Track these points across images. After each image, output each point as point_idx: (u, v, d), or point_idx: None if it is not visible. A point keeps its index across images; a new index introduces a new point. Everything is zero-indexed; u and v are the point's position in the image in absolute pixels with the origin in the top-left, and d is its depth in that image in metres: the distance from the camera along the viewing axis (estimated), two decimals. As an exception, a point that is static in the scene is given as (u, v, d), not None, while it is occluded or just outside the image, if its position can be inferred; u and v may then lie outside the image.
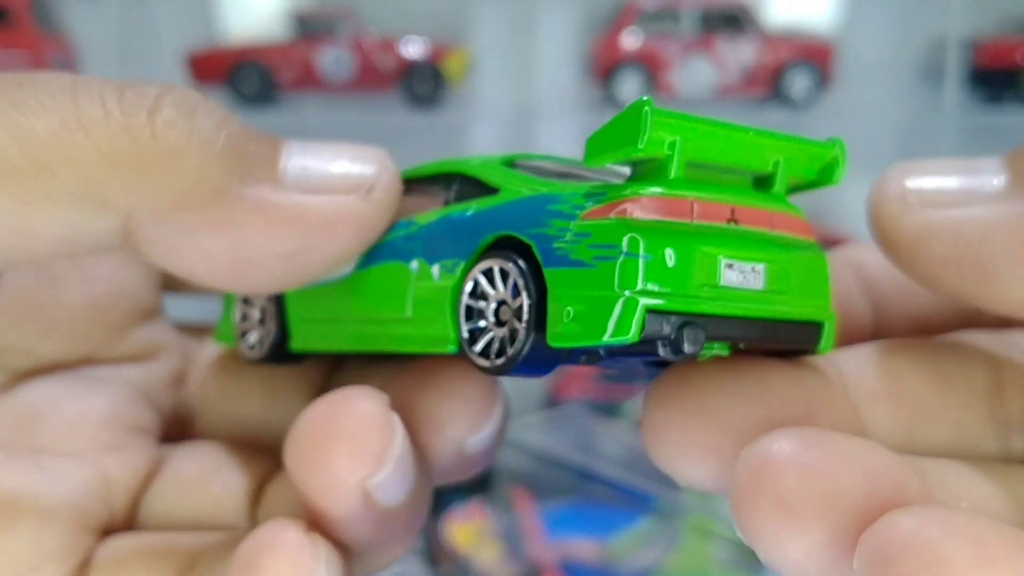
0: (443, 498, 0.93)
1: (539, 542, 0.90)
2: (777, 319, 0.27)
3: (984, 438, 0.29)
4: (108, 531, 0.33)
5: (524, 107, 1.40)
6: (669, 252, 0.26)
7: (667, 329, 0.25)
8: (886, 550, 0.20)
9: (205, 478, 0.35)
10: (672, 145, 0.27)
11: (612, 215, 0.26)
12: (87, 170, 0.27)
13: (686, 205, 0.27)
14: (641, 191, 0.27)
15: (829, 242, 0.30)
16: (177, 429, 0.38)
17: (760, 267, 0.27)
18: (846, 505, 0.22)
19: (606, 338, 0.25)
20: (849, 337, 0.32)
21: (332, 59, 1.43)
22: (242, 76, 1.39)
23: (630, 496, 0.87)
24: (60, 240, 0.28)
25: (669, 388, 0.28)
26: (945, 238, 0.26)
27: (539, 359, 0.28)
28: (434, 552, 0.91)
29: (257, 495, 0.34)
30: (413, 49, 1.42)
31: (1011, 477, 0.27)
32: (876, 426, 0.28)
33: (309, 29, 1.45)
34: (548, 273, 0.27)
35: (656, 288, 0.25)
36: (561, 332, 0.26)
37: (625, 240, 0.26)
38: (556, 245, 0.27)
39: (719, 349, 0.29)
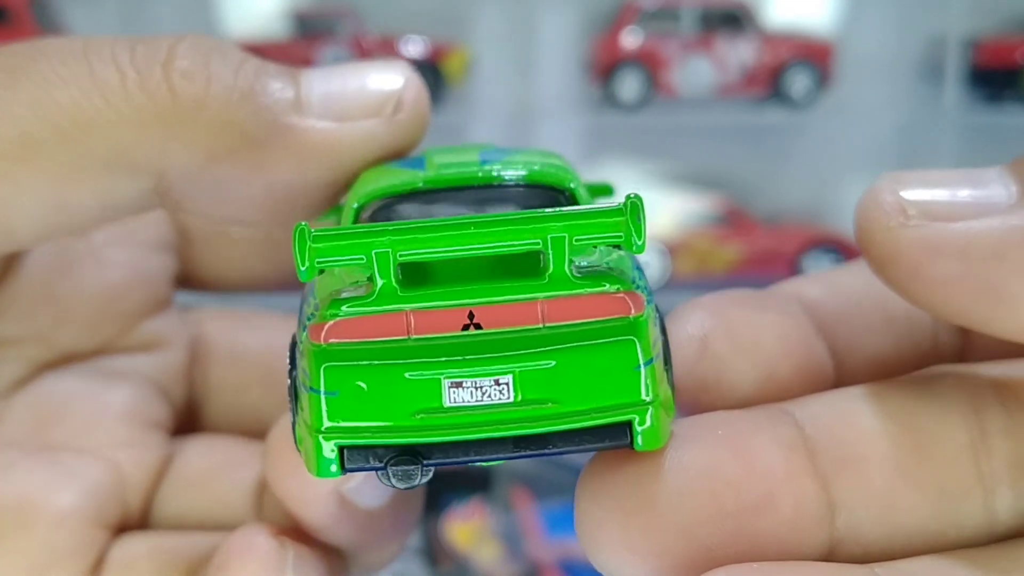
0: (443, 498, 0.93)
1: (539, 542, 0.90)
2: (541, 433, 0.23)
3: (969, 501, 0.25)
4: (123, 528, 0.33)
5: (524, 107, 1.40)
6: (362, 384, 0.23)
7: (374, 463, 0.23)
8: None
9: (212, 475, 0.35)
10: (382, 255, 0.23)
11: (312, 341, 0.24)
12: (113, 136, 0.27)
13: (399, 321, 0.24)
14: (338, 312, 0.24)
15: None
16: (186, 420, 0.38)
17: (505, 379, 0.23)
18: None
19: (314, 473, 0.23)
20: (811, 387, 0.28)
21: (332, 58, 1.42)
22: (242, 76, 1.39)
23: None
24: (100, 209, 0.28)
25: (605, 477, 0.25)
26: (952, 255, 0.23)
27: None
28: (434, 552, 0.91)
29: (262, 490, 0.34)
30: (413, 48, 1.42)
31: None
32: (848, 501, 0.25)
33: (309, 28, 1.45)
34: (300, 394, 0.25)
35: (351, 424, 0.23)
36: (305, 459, 0.24)
37: (317, 372, 0.23)
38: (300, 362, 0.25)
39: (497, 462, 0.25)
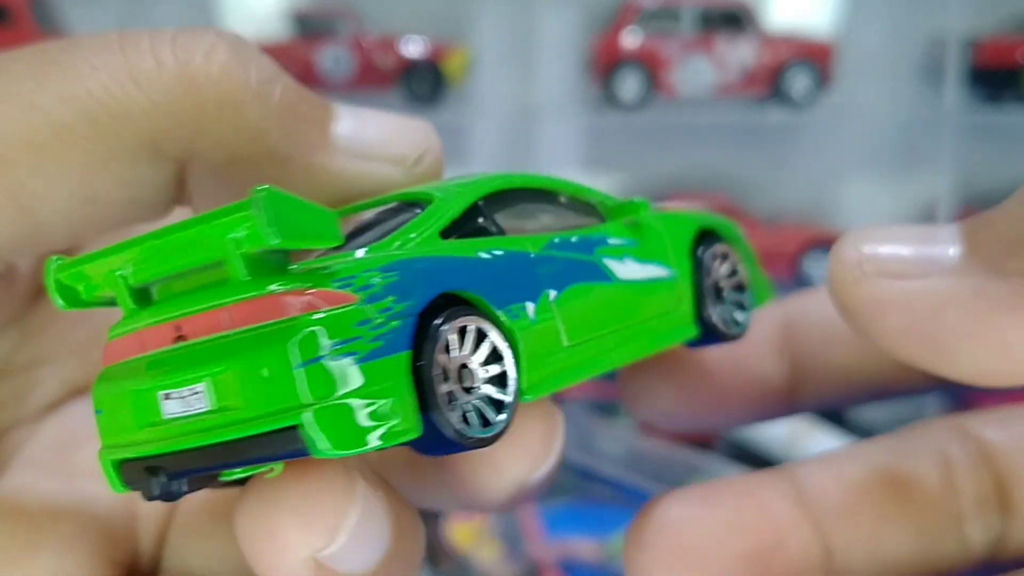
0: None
1: (539, 542, 0.90)
2: (234, 439, 0.24)
3: (944, 535, 0.30)
4: (135, 570, 0.32)
5: (524, 107, 1.39)
6: (111, 403, 0.25)
7: (135, 476, 0.25)
8: None
9: (222, 517, 0.33)
10: (118, 279, 0.25)
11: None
12: (144, 123, 0.27)
13: (135, 341, 0.25)
14: (109, 336, 0.26)
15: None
16: None
17: (200, 387, 0.24)
18: None
19: (114, 491, 0.26)
20: (760, 397, 0.34)
21: (332, 58, 1.42)
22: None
23: (630, 496, 0.87)
24: (126, 202, 0.28)
25: (649, 526, 0.29)
26: (898, 310, 0.26)
27: None
28: (434, 552, 0.91)
29: None
30: (413, 48, 1.42)
31: None
32: (841, 543, 0.29)
33: (309, 28, 1.45)
34: None
35: (114, 442, 0.25)
36: None
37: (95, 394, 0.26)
38: None
39: (240, 473, 0.26)
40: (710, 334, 0.34)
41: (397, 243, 0.26)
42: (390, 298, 0.24)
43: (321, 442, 0.23)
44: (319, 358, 0.23)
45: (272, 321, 0.23)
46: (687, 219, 0.36)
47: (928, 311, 0.26)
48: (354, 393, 0.23)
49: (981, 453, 0.31)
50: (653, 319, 0.33)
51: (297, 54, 1.41)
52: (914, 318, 0.26)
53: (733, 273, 0.36)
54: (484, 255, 0.28)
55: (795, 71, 1.42)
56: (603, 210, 0.34)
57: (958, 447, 0.31)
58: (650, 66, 1.42)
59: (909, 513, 0.30)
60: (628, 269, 0.33)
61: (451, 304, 0.26)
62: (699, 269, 0.35)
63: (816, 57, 1.41)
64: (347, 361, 0.23)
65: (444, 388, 0.25)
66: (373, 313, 0.24)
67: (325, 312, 0.23)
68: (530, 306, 0.28)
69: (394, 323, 0.24)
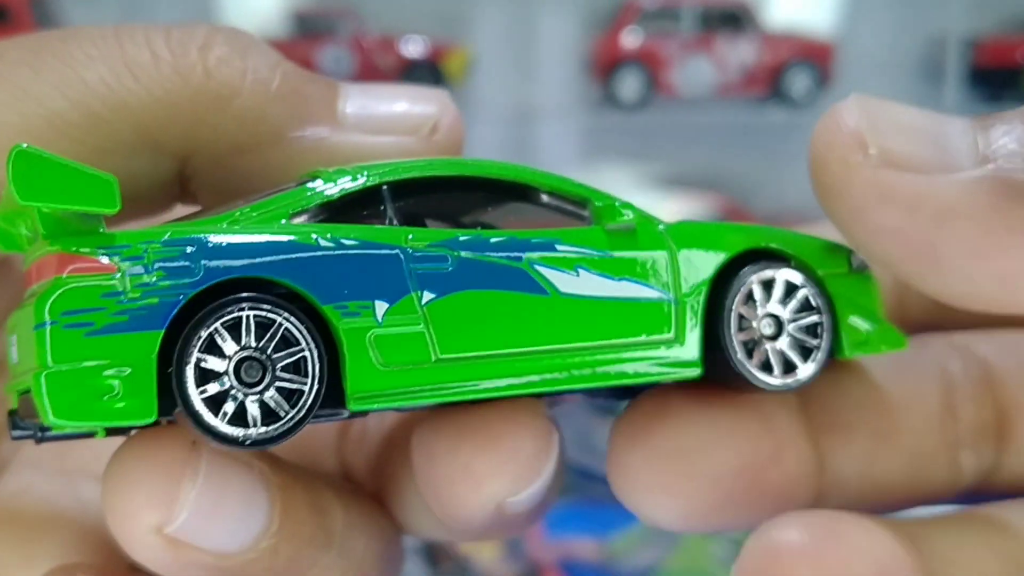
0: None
1: (539, 542, 0.90)
2: (22, 392, 0.24)
3: (936, 461, 0.28)
4: (134, 568, 0.32)
5: (524, 107, 1.39)
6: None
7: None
8: None
9: None
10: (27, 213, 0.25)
11: None
12: (141, 116, 0.27)
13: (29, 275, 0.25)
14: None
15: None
16: None
17: (13, 338, 0.25)
18: None
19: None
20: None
21: (332, 58, 1.43)
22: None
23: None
24: (124, 197, 0.27)
25: (638, 426, 0.27)
26: (901, 207, 0.23)
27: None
28: (434, 552, 0.91)
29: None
30: (413, 48, 1.42)
31: (995, 533, 0.26)
32: (834, 459, 0.28)
33: (309, 28, 1.45)
34: None
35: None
36: None
37: None
38: None
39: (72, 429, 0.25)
40: (727, 374, 0.28)
41: (228, 219, 0.25)
42: (157, 274, 0.24)
43: (47, 409, 0.23)
44: (54, 322, 0.23)
45: (45, 281, 0.24)
46: (724, 234, 0.30)
47: (934, 216, 0.23)
48: (86, 364, 0.23)
49: (984, 378, 0.29)
50: (622, 347, 0.28)
51: (297, 54, 1.41)
52: (916, 219, 0.23)
53: (805, 309, 0.29)
54: (325, 243, 0.25)
55: (795, 71, 1.42)
56: (595, 213, 0.30)
57: (961, 368, 0.29)
58: (650, 66, 1.42)
59: (904, 435, 0.28)
60: (580, 283, 0.28)
61: (249, 289, 0.24)
62: (724, 294, 0.29)
63: (816, 57, 1.41)
64: (83, 331, 0.23)
65: (214, 385, 0.24)
66: (129, 287, 0.23)
67: (75, 278, 0.23)
68: (380, 306, 0.26)
69: (150, 300, 0.23)
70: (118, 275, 0.23)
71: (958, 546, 0.25)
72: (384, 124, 0.29)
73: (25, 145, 0.23)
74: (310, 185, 0.26)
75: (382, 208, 0.27)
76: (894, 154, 0.24)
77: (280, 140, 0.28)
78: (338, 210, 0.26)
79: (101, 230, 0.24)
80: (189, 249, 0.24)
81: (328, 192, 0.26)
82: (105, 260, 0.23)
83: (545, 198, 0.30)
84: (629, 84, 1.42)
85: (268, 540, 0.26)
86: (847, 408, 0.28)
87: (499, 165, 0.29)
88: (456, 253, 0.27)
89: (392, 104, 0.30)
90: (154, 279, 0.23)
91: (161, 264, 0.24)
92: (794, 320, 0.29)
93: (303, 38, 1.44)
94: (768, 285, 0.29)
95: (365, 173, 0.27)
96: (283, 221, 0.25)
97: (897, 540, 0.23)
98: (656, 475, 0.26)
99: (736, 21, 1.44)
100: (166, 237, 0.24)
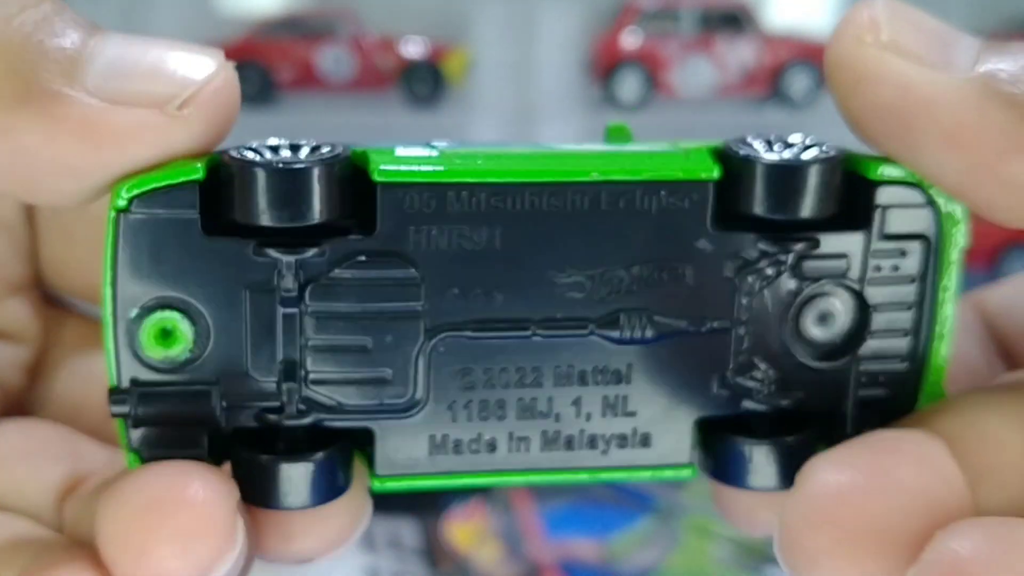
0: (443, 498, 0.93)
1: (539, 542, 0.90)
2: None
3: None
4: None
5: (524, 107, 1.39)
6: None
7: None
8: None
9: (14, 460, 0.30)
10: None
11: None
12: None
13: None
14: None
15: None
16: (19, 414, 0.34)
17: None
18: None
19: None
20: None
21: (332, 59, 1.43)
22: (241, 76, 1.38)
23: (630, 496, 0.87)
24: None
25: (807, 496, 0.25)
26: (894, 87, 0.25)
27: None
28: (434, 552, 0.91)
29: (66, 493, 0.29)
30: (413, 49, 1.42)
31: None
32: (989, 505, 0.26)
33: (308, 29, 1.45)
34: None
35: None
36: None
37: None
38: None
39: None
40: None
41: None
42: None
43: None
44: None
45: None
46: None
47: (921, 100, 0.25)
48: None
49: None
50: None
51: (297, 54, 1.42)
52: (905, 101, 0.25)
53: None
54: None
55: (795, 71, 1.42)
56: None
57: None
58: (650, 66, 1.42)
59: None
60: None
61: None
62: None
63: (816, 57, 1.41)
64: None
65: None
66: None
67: None
68: None
69: None
70: None
71: None
72: (126, 89, 0.24)
73: None
74: None
75: None
76: (901, 44, 0.26)
77: (36, 96, 0.24)
78: None
79: None
80: None
81: None
82: None
83: None
84: (629, 84, 1.42)
85: None
86: (994, 447, 0.26)
87: None
88: None
89: (146, 63, 0.25)
90: None
91: None
92: None
93: (302, 39, 1.44)
94: None
95: None
96: None
97: None
98: (841, 554, 0.24)
99: (736, 22, 1.44)
100: None
